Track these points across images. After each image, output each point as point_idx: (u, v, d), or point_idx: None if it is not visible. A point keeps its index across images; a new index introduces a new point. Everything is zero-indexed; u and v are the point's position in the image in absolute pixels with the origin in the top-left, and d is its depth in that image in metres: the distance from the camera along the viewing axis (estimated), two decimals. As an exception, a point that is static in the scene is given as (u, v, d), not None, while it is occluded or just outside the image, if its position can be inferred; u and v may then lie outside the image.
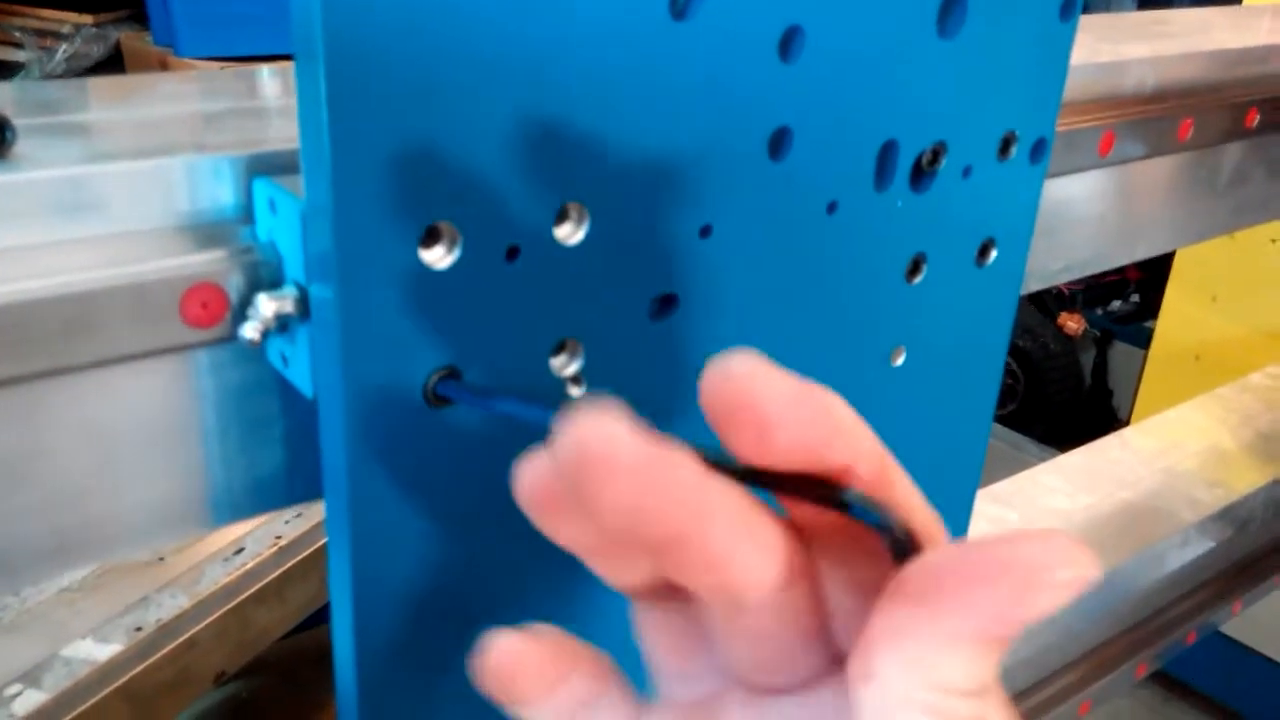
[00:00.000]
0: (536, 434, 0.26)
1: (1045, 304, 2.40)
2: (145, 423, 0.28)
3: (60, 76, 2.05)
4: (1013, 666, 0.66)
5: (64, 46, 2.09)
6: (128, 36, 2.05)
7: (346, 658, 0.29)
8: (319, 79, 0.23)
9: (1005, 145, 0.38)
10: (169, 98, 0.34)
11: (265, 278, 0.28)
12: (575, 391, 0.30)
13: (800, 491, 0.19)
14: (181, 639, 0.97)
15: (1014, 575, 0.17)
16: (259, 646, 1.03)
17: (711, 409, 0.19)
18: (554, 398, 0.30)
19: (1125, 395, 2.28)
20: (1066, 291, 2.36)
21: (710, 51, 0.29)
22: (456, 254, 0.26)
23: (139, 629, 0.94)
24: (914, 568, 0.18)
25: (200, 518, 0.30)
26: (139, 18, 2.03)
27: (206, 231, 0.28)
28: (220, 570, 1.03)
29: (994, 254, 0.40)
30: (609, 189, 0.28)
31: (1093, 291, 2.39)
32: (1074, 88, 0.49)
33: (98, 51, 2.10)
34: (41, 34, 2.11)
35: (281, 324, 0.27)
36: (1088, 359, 2.41)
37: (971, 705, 0.17)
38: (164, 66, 1.86)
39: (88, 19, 2.09)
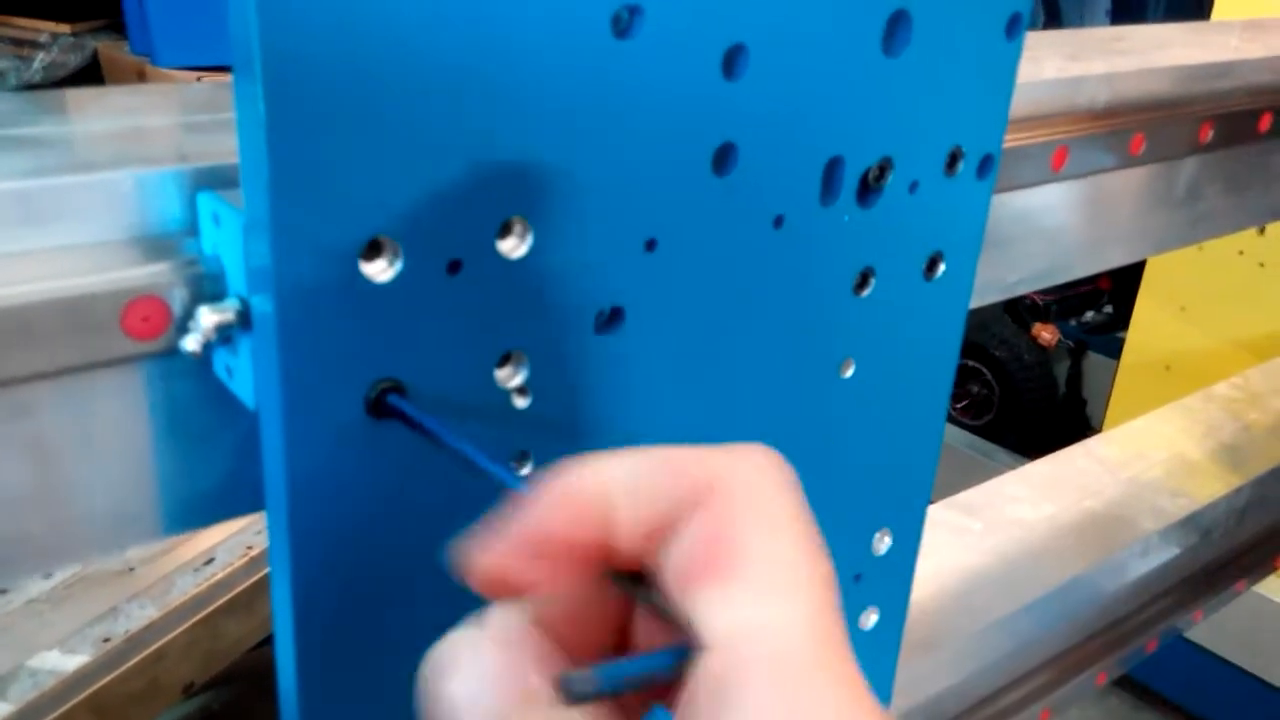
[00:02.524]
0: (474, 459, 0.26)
1: (1020, 315, 2.42)
2: (88, 434, 0.28)
3: (38, 85, 2.04)
4: (973, 673, 0.66)
5: (41, 55, 2.08)
6: (105, 46, 2.05)
7: (288, 668, 0.29)
8: (257, 94, 0.23)
9: (952, 161, 0.38)
10: (122, 111, 0.35)
11: (209, 291, 0.28)
12: (521, 403, 0.31)
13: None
14: (150, 650, 0.96)
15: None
16: (229, 658, 1.03)
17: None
18: (494, 426, 0.30)
19: (1099, 405, 2.30)
20: (1040, 302, 2.38)
21: (653, 69, 0.29)
22: (398, 267, 0.26)
23: (107, 640, 0.94)
24: None
25: (145, 529, 0.30)
26: (117, 27, 2.02)
27: (151, 245, 0.28)
28: (190, 581, 1.02)
29: (942, 268, 0.40)
30: (552, 203, 0.29)
31: (1066, 303, 2.41)
32: (1027, 103, 0.50)
33: (75, 60, 2.09)
34: (19, 43, 2.10)
35: (224, 336, 0.27)
36: (1062, 369, 2.43)
37: None
38: (141, 76, 1.86)
39: (65, 28, 2.08)
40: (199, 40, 1.77)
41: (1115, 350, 2.11)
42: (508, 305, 0.29)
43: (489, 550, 0.21)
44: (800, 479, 0.22)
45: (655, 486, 0.21)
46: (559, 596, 0.22)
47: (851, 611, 0.45)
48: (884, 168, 0.36)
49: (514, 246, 0.29)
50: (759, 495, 0.21)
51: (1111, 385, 2.06)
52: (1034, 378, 2.36)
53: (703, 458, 0.21)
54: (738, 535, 0.20)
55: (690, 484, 0.20)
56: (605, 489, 0.21)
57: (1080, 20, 2.28)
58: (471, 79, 0.26)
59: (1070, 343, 2.39)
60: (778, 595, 0.19)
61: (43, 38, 2.08)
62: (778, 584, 0.19)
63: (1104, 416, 2.12)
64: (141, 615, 0.99)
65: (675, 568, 0.20)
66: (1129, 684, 1.97)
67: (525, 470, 0.32)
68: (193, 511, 0.31)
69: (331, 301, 0.26)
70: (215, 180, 0.29)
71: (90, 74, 2.07)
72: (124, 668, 0.94)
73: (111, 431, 0.29)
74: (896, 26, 0.34)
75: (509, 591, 0.21)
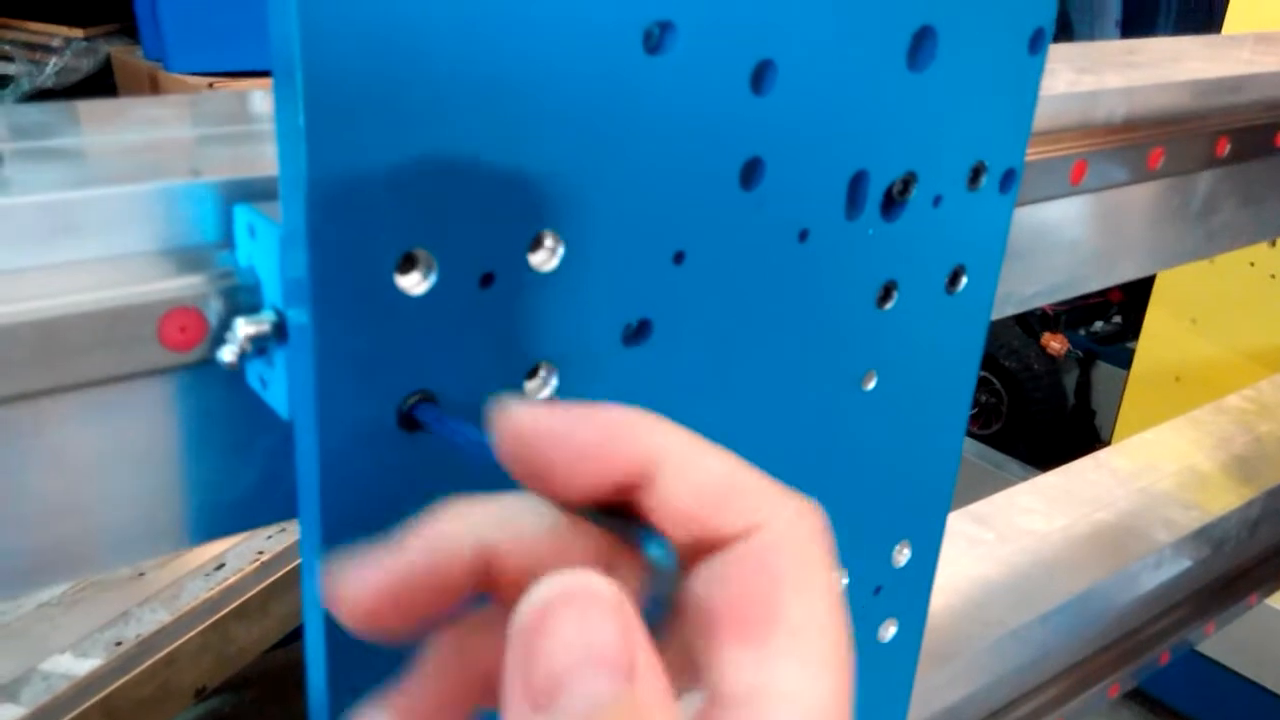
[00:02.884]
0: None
1: (1029, 325, 2.42)
2: (124, 444, 0.28)
3: (50, 90, 2.05)
4: (986, 685, 0.66)
5: (54, 60, 2.09)
6: (118, 51, 2.06)
7: (319, 680, 0.29)
8: (297, 105, 0.23)
9: (975, 175, 0.39)
10: (153, 122, 0.35)
11: (244, 302, 0.28)
12: (549, 415, 0.31)
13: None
14: (161, 654, 0.96)
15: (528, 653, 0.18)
16: (240, 662, 1.03)
17: (510, 467, 0.21)
18: None
19: (1108, 415, 2.30)
20: (1050, 312, 2.38)
21: (683, 84, 0.30)
22: (432, 280, 0.27)
23: (119, 644, 0.94)
24: None
25: (176, 536, 0.30)
26: (129, 31, 2.03)
27: (187, 256, 0.29)
28: (201, 585, 1.03)
29: (964, 281, 0.40)
30: (583, 217, 0.29)
31: (1076, 313, 2.41)
32: (1046, 117, 0.50)
33: (88, 65, 2.10)
34: (31, 47, 2.11)
35: (259, 348, 0.28)
36: (1071, 379, 2.43)
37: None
38: (154, 81, 1.86)
39: (78, 32, 2.09)
40: (212, 46, 1.78)
41: (1125, 360, 2.11)
42: (538, 317, 0.29)
43: (364, 582, 0.21)
44: (822, 491, 0.23)
45: (719, 495, 0.20)
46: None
47: (871, 623, 0.46)
48: (908, 182, 0.36)
49: (545, 259, 0.29)
50: (804, 553, 0.20)
51: (1121, 396, 2.05)
52: (1043, 387, 2.36)
53: (764, 490, 0.21)
54: (779, 595, 0.19)
55: (743, 512, 0.20)
56: (475, 531, 0.21)
57: (1090, 33, 2.28)
58: (505, 93, 0.26)
59: (1079, 353, 2.39)
60: (811, 667, 0.19)
61: (55, 42, 2.09)
62: (811, 656, 0.19)
63: (1113, 427, 2.11)
64: (153, 620, 0.99)
65: (709, 606, 0.20)
66: (1141, 697, 1.96)
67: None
68: (223, 520, 0.31)
69: (366, 314, 0.26)
70: (250, 192, 0.29)
71: (103, 79, 2.08)
72: (135, 672, 0.95)
73: (146, 441, 0.29)
74: (922, 42, 0.35)
75: (380, 628, 0.21)
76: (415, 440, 0.28)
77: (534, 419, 0.21)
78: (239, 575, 1.05)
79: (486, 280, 0.28)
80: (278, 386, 0.28)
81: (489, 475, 0.27)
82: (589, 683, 0.17)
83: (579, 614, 0.17)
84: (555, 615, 0.17)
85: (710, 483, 0.21)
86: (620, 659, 0.17)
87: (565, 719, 0.17)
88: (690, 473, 0.21)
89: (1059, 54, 0.63)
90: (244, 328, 0.27)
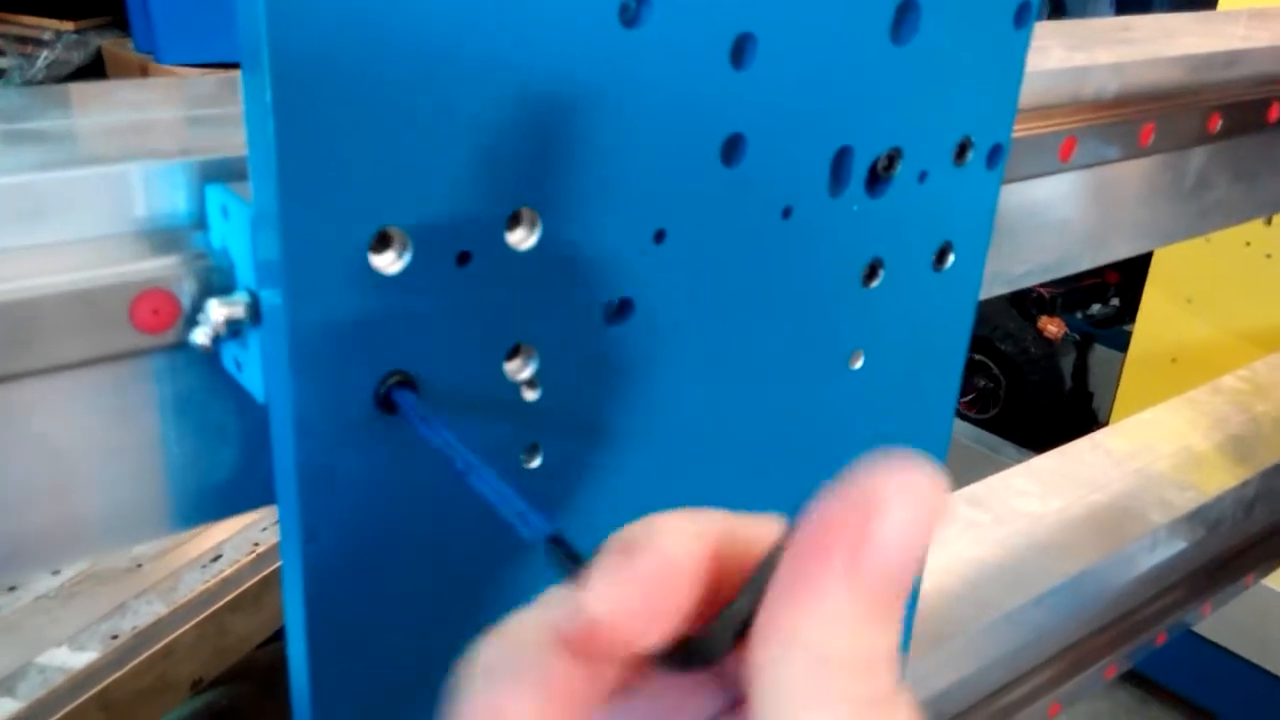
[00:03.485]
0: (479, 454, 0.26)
1: (1025, 308, 2.41)
2: (97, 428, 0.28)
3: (41, 83, 2.04)
4: (981, 668, 0.66)
5: (45, 53, 2.08)
6: (109, 43, 2.05)
7: (300, 663, 0.29)
8: (264, 84, 0.23)
9: (961, 151, 0.38)
10: (128, 105, 0.35)
11: (218, 283, 0.28)
12: (530, 395, 0.31)
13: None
14: (158, 646, 0.96)
15: (862, 535, 0.16)
16: (237, 654, 1.03)
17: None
18: (504, 419, 0.30)
19: (1105, 398, 2.30)
20: (1046, 295, 2.37)
21: (662, 59, 0.29)
22: (407, 259, 0.26)
23: (115, 636, 0.94)
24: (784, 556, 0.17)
25: (155, 523, 0.30)
26: (120, 24, 2.02)
27: (160, 238, 0.28)
28: (198, 577, 1.02)
29: (951, 258, 0.40)
30: (561, 194, 0.29)
31: (1072, 295, 2.41)
32: (1035, 93, 0.50)
33: (79, 58, 2.09)
34: (23, 40, 2.10)
35: (233, 330, 0.27)
36: (1068, 362, 2.43)
37: (861, 682, 0.17)
38: (145, 73, 1.86)
39: (69, 25, 2.08)
40: (203, 38, 1.78)
41: (1122, 343, 2.11)
42: (517, 297, 0.29)
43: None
44: (809, 472, 0.22)
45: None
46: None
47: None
48: (893, 158, 0.36)
49: (523, 238, 0.29)
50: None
51: (1118, 378, 2.05)
52: (1040, 371, 2.35)
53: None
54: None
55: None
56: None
57: (1084, 10, 2.27)
58: (480, 68, 0.26)
59: (1076, 335, 2.39)
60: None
61: (46, 35, 2.08)
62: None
63: (1110, 409, 2.11)
64: (149, 612, 0.99)
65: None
66: (1137, 678, 1.96)
67: (535, 463, 0.31)
68: (202, 506, 0.31)
69: (341, 294, 0.26)
70: (223, 173, 0.29)
71: (94, 72, 2.07)
72: (132, 664, 0.95)
73: (120, 425, 0.28)
74: (905, 15, 0.34)
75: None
76: (393, 422, 0.28)
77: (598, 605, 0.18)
78: (235, 567, 1.05)
79: (463, 259, 0.28)
80: (253, 369, 0.28)
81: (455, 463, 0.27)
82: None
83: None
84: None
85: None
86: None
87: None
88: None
89: (1051, 31, 0.62)
90: (217, 310, 0.27)
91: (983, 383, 2.42)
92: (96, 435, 0.28)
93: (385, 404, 0.27)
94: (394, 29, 0.24)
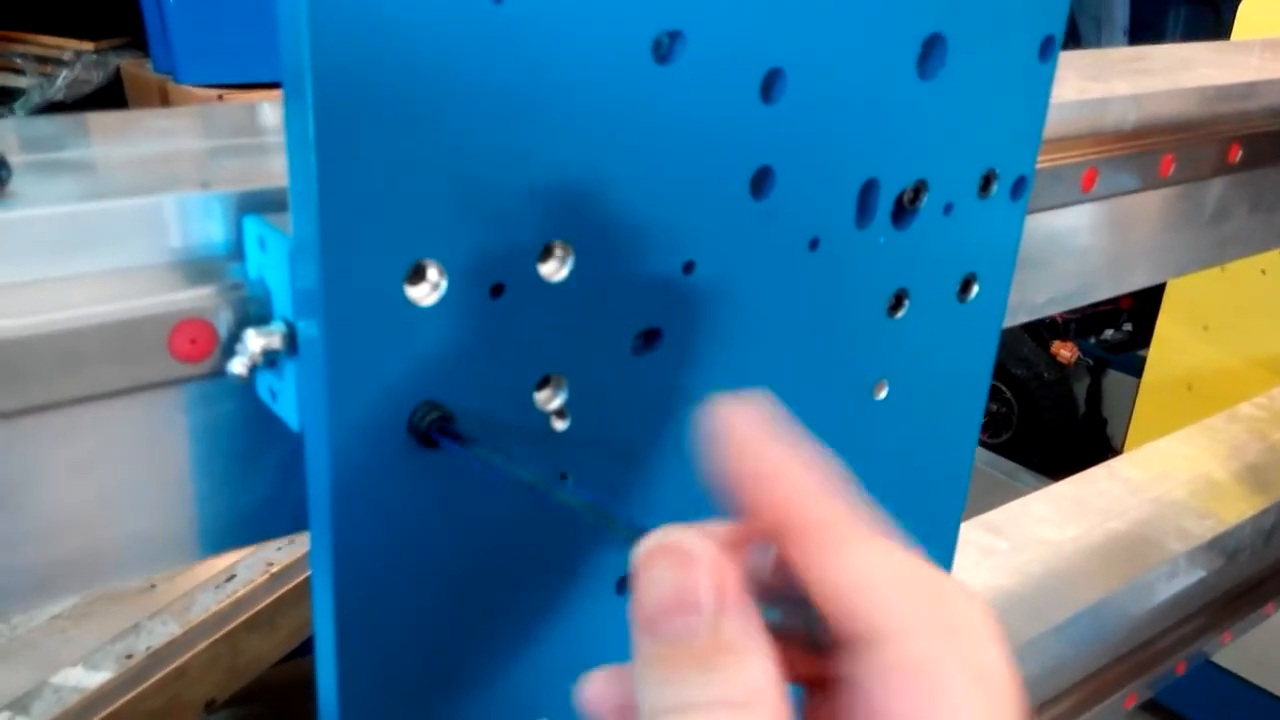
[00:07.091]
0: (523, 485, 0.26)
1: (1039, 333, 2.41)
2: (134, 455, 0.28)
3: (60, 102, 2.06)
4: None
5: (64, 73, 2.10)
6: (128, 63, 2.07)
7: (330, 692, 0.29)
8: (307, 118, 0.23)
9: (986, 183, 0.39)
10: (164, 134, 0.35)
11: (254, 314, 0.28)
12: (559, 425, 0.31)
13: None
14: (172, 666, 0.96)
15: None
16: (250, 674, 1.03)
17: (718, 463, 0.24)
18: (533, 448, 0.30)
19: (1119, 424, 2.28)
20: (1060, 320, 2.37)
21: (693, 94, 0.29)
22: (442, 291, 0.27)
23: (129, 656, 0.94)
24: None
25: (187, 549, 0.30)
26: (139, 44, 2.04)
27: (197, 268, 0.29)
28: (211, 597, 1.02)
29: (975, 289, 0.40)
30: (593, 227, 0.29)
31: (1086, 320, 2.40)
32: (1056, 124, 0.50)
33: (98, 78, 2.11)
34: (42, 60, 2.12)
35: (269, 359, 0.27)
36: (1081, 388, 2.42)
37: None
38: (164, 93, 1.87)
39: (88, 45, 2.10)
40: (221, 58, 1.79)
41: (1136, 368, 2.10)
42: (548, 328, 0.29)
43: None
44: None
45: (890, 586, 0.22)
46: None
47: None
48: (919, 190, 0.36)
49: (555, 270, 0.29)
50: (966, 670, 0.22)
51: (1132, 404, 2.04)
52: (1053, 396, 2.34)
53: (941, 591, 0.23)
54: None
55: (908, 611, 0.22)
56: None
57: (1099, 40, 2.28)
58: (515, 104, 0.26)
59: (1090, 360, 2.38)
60: None
61: (66, 55, 2.10)
62: None
63: (1125, 435, 2.10)
64: (163, 632, 0.99)
65: (869, 702, 0.21)
66: (1156, 708, 1.94)
67: (563, 492, 0.32)
68: (233, 532, 0.31)
69: (376, 325, 0.26)
70: (260, 204, 0.29)
71: (113, 92, 2.09)
72: (146, 684, 0.94)
73: (157, 453, 0.29)
74: (931, 50, 0.35)
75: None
76: (425, 451, 0.28)
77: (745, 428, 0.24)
78: (249, 587, 1.05)
79: (497, 291, 0.28)
80: (288, 398, 0.28)
81: (505, 491, 0.27)
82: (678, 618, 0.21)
83: (673, 563, 0.21)
84: (654, 561, 0.21)
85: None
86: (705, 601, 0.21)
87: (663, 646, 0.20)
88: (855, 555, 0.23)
89: (1067, 61, 0.63)
90: (254, 339, 0.27)
91: (996, 407, 2.41)
92: (132, 462, 0.29)
93: (425, 440, 0.27)
94: (432, 64, 0.25)
